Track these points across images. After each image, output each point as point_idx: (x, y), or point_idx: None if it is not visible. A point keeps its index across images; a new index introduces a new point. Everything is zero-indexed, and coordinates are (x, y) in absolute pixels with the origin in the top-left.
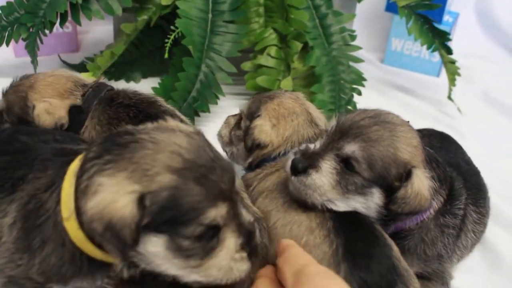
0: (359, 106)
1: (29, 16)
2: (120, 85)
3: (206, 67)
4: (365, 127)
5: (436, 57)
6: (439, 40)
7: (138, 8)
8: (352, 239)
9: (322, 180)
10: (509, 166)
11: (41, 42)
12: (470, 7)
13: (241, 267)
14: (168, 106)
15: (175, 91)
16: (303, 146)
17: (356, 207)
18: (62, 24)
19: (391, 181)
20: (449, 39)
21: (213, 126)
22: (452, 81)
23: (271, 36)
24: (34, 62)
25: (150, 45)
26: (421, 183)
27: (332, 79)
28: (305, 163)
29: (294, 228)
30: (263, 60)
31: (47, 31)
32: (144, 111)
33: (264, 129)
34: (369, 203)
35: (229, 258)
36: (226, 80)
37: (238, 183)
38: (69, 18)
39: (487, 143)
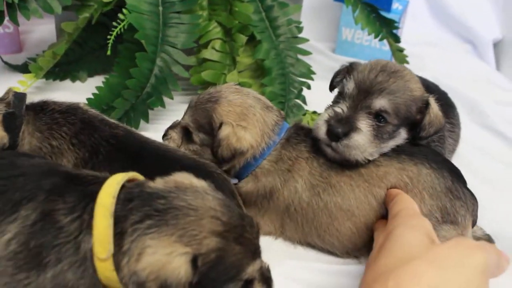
0: (314, 96)
1: None
2: (66, 84)
3: (161, 61)
4: (383, 82)
5: (387, 45)
6: (386, 28)
7: (79, 6)
8: None
9: (363, 138)
10: (461, 153)
11: None
12: None
13: None
14: (93, 111)
15: (127, 89)
16: (331, 113)
17: (385, 151)
18: None
19: (414, 117)
20: (397, 27)
21: (168, 123)
22: None
23: (215, 30)
24: None
25: (93, 43)
26: (436, 107)
27: (282, 72)
28: (345, 128)
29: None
30: (208, 54)
31: None
32: (78, 117)
33: (240, 136)
34: (398, 142)
35: None
36: (183, 73)
37: None
38: (7, 18)
39: None
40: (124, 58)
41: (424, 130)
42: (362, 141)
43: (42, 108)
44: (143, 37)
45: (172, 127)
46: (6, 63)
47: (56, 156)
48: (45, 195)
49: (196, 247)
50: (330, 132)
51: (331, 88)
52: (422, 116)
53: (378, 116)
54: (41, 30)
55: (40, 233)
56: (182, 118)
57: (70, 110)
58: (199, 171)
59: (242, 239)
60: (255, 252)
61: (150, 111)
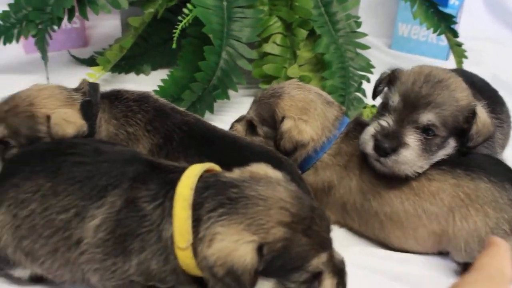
0: (369, 92)
1: (36, 13)
2: (131, 77)
3: (227, 54)
4: (429, 95)
5: (444, 40)
6: (444, 23)
7: (144, 1)
8: None
9: (412, 153)
10: None
11: (50, 38)
12: None
13: None
14: (163, 100)
15: (194, 82)
16: (377, 127)
17: (435, 161)
18: (70, 19)
19: (461, 126)
20: (455, 22)
21: (232, 114)
22: (459, 64)
23: (276, 24)
24: (45, 58)
25: (157, 37)
26: (483, 115)
27: (342, 66)
28: (393, 143)
29: None
30: (269, 48)
31: (55, 27)
32: (151, 105)
33: (302, 129)
34: (447, 151)
35: None
36: (247, 66)
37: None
38: (77, 14)
39: None
40: (188, 53)
41: (472, 140)
42: (411, 156)
43: (116, 96)
44: (210, 31)
45: (237, 120)
46: (73, 56)
47: (132, 142)
48: (129, 183)
49: (263, 236)
50: (378, 148)
51: (374, 96)
52: (470, 125)
53: (426, 130)
54: (105, 26)
55: (125, 220)
56: (247, 112)
57: (143, 98)
58: (268, 157)
59: (309, 231)
60: (323, 245)
61: (214, 103)
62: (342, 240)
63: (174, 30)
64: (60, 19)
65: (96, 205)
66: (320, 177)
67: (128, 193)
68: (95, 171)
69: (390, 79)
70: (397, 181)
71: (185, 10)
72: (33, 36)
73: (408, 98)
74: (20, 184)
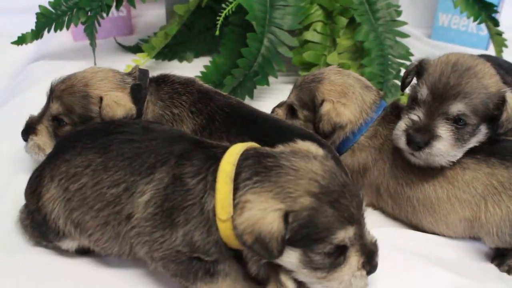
0: None
1: (87, 1)
2: (173, 64)
3: (268, 41)
4: (457, 85)
5: (484, 30)
6: (485, 12)
7: None
8: None
9: (445, 145)
10: None
11: (99, 25)
12: None
13: (359, 284)
14: (207, 85)
15: (235, 68)
16: (408, 122)
17: (471, 146)
18: (118, 7)
19: (492, 113)
20: (496, 11)
21: (271, 101)
22: (499, 53)
23: (316, 12)
24: (93, 44)
25: (201, 25)
26: None
27: (381, 53)
28: (425, 137)
29: None
30: (309, 35)
31: (104, 15)
32: (196, 88)
33: (340, 111)
34: (479, 137)
35: (351, 275)
36: (288, 53)
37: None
38: (124, 2)
39: None
40: (230, 40)
41: (502, 127)
42: (444, 147)
43: (164, 80)
44: (253, 18)
45: (278, 105)
46: (120, 44)
47: (177, 123)
48: (175, 160)
49: (290, 204)
50: (411, 142)
51: (403, 88)
52: (500, 111)
53: (457, 120)
54: (150, 15)
55: (172, 195)
56: (288, 97)
57: (189, 82)
58: (308, 139)
59: (336, 203)
60: (350, 219)
61: (254, 89)
62: (376, 221)
63: (217, 18)
64: (109, 7)
65: (145, 181)
66: (356, 158)
67: (175, 170)
68: (144, 148)
69: (418, 70)
70: (430, 169)
71: None
72: (83, 23)
73: (437, 90)
74: (72, 159)
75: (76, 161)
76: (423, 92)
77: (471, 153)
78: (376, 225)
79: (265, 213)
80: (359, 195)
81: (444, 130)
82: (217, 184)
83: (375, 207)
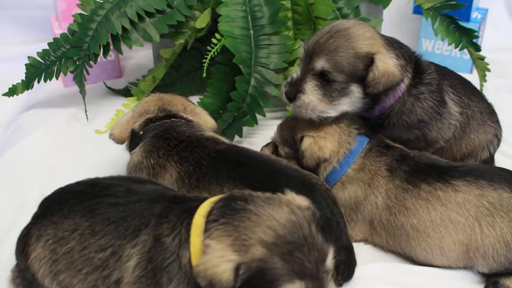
0: None
1: (74, 50)
2: None
3: (255, 81)
4: (324, 43)
5: (467, 54)
6: (466, 38)
7: (174, 33)
8: None
9: (310, 98)
10: None
11: (87, 73)
12: (501, 2)
13: None
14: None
15: (226, 110)
16: (288, 78)
17: (344, 109)
18: (105, 54)
19: (362, 73)
20: (477, 37)
21: (261, 137)
22: (482, 77)
23: (301, 48)
24: (82, 91)
25: (188, 66)
26: (385, 63)
27: None
28: (293, 91)
29: None
30: (294, 71)
31: (92, 62)
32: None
33: (321, 145)
34: (353, 99)
35: None
36: (274, 92)
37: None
38: (111, 47)
39: None
40: (217, 80)
41: (369, 87)
42: (308, 100)
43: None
44: (240, 61)
45: (266, 145)
46: (109, 88)
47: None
48: (155, 220)
49: (242, 255)
50: (285, 96)
51: None
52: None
53: (323, 76)
54: (138, 56)
55: (153, 256)
56: (274, 135)
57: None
58: (302, 182)
59: (288, 256)
60: (301, 274)
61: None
62: (368, 256)
63: (204, 60)
64: (96, 55)
65: (130, 245)
66: (347, 192)
67: (155, 231)
68: (129, 212)
69: None
70: (423, 192)
71: (214, 40)
72: (71, 72)
73: (309, 49)
74: (59, 222)
75: (63, 224)
76: (300, 51)
77: (461, 175)
78: (368, 260)
79: (219, 261)
80: (323, 250)
81: (310, 85)
82: (190, 237)
83: (369, 241)
